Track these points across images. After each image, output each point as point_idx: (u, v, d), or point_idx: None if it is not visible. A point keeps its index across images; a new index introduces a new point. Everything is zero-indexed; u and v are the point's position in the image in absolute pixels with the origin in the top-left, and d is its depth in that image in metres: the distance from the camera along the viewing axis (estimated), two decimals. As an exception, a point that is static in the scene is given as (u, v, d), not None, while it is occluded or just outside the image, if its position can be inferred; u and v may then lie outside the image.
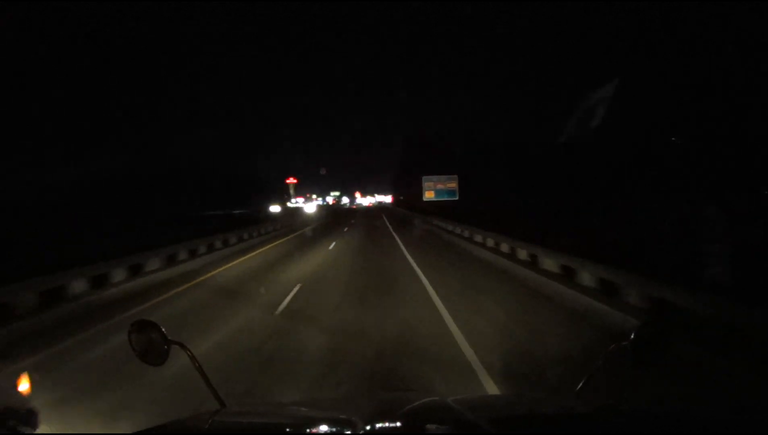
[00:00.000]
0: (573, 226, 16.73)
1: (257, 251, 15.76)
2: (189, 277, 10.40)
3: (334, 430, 1.20)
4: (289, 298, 7.75)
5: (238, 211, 52.60)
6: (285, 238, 20.83)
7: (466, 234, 17.52)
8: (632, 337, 1.37)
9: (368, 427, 1.05)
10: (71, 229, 23.50)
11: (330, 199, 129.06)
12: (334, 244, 17.30)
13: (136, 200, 49.61)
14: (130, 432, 1.18)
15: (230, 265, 12.54)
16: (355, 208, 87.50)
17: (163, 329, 1.48)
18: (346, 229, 25.56)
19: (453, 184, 32.92)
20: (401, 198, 78.74)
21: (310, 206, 76.80)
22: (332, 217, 43.91)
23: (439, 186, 32.93)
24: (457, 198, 32.43)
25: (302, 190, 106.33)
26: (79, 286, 8.06)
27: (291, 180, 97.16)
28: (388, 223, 30.93)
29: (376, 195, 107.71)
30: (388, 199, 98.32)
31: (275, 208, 60.94)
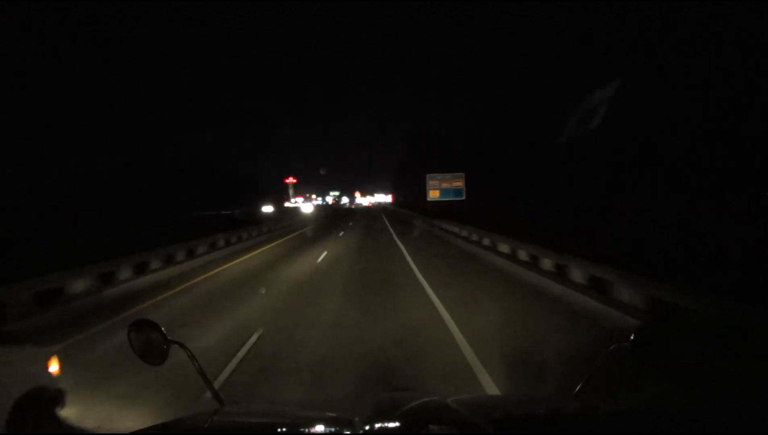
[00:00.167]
0: (592, 230, 15.28)
1: (217, 270, 11.58)
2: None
3: (333, 429, 1.20)
4: (229, 368, 4.49)
5: (226, 212, 51.96)
6: (264, 248, 16.88)
7: (486, 241, 14.67)
8: (632, 337, 1.37)
9: (367, 427, 1.04)
10: (58, 233, 23.65)
11: (330, 199, 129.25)
12: (324, 255, 13.83)
13: (133, 200, 49.65)
14: (145, 414, 1.17)
15: (167, 295, 8.48)
16: (354, 208, 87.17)
17: (163, 329, 1.48)
18: (341, 234, 22.79)
19: (459, 183, 30.15)
20: (402, 198, 78.60)
21: (307, 206, 76.67)
22: (329, 218, 42.36)
23: (445, 184, 30.21)
24: (464, 198, 29.85)
25: (302, 190, 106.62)
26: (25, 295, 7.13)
27: (290, 180, 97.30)
28: (389, 225, 28.70)
29: (375, 195, 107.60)
30: (388, 198, 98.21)
31: (268, 209, 59.81)
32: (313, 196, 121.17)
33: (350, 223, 31.99)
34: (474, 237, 16.27)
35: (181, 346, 1.47)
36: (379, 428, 1.07)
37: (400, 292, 8.27)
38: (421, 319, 6.31)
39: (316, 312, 6.81)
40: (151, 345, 1.48)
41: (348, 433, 1.10)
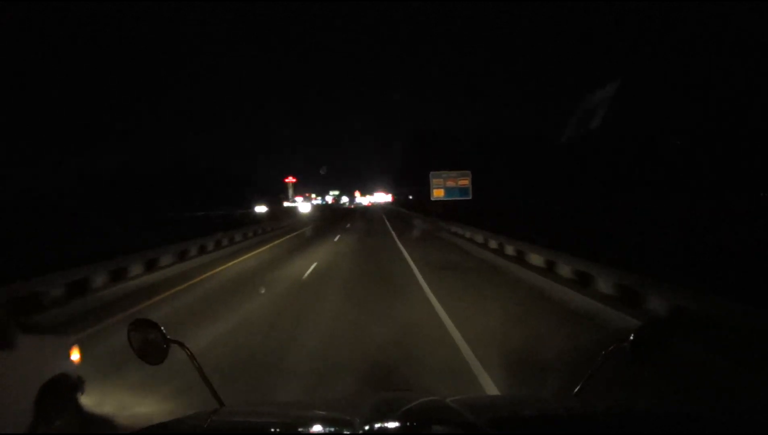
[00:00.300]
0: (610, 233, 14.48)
1: (168, 292, 8.63)
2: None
3: (332, 429, 1.19)
4: None
5: (220, 213, 51.33)
6: (242, 258, 13.79)
7: (510, 250, 11.87)
8: (632, 337, 1.37)
9: (367, 427, 1.04)
10: (52, 232, 23.66)
11: (329, 199, 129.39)
12: (312, 268, 11.05)
13: (132, 200, 49.72)
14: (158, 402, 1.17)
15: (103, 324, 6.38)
16: (353, 208, 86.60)
17: (163, 329, 1.48)
18: (336, 239, 19.53)
19: (465, 181, 28.15)
20: (409, 197, 78.50)
21: (304, 206, 76.50)
22: (327, 219, 39.72)
23: (450, 183, 28.20)
24: (470, 197, 28.03)
25: (302, 190, 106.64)
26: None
27: (290, 179, 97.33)
28: (390, 228, 25.70)
29: (375, 194, 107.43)
30: (387, 198, 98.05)
31: (261, 209, 58.38)
32: (313, 196, 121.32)
33: (348, 226, 29.32)
34: (509, 249, 12.11)
35: (181, 345, 1.47)
36: (379, 428, 1.07)
37: (414, 324, 5.89)
38: (446, 358, 4.56)
39: (295, 360, 4.60)
40: (151, 344, 1.48)
41: (347, 433, 1.10)
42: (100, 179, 48.34)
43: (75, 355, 3.34)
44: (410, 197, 67.75)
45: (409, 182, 66.30)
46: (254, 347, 5.08)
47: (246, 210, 56.42)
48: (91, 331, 6.06)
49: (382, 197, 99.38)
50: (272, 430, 1.25)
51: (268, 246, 17.41)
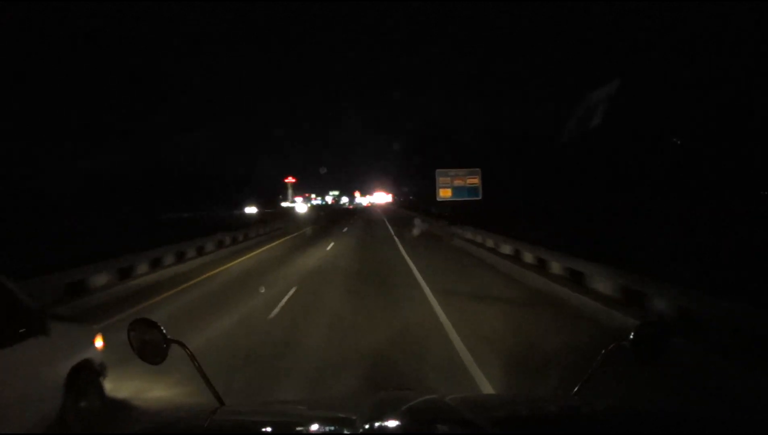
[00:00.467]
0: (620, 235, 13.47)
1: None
2: None
3: (332, 428, 1.19)
4: None
5: (207, 213, 49.85)
6: (205, 276, 10.76)
7: (556, 268, 8.95)
8: (631, 336, 1.37)
9: (367, 426, 1.04)
10: (51, 232, 23.50)
11: (329, 199, 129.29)
12: (292, 292, 8.20)
13: (131, 200, 49.61)
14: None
15: None
16: (352, 209, 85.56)
17: (163, 329, 1.48)
18: (330, 247, 16.24)
19: (475, 180, 25.82)
20: (403, 198, 78.21)
21: (301, 207, 76.22)
22: (324, 220, 36.92)
23: (458, 182, 25.71)
24: (479, 197, 25.71)
25: (302, 190, 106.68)
26: None
27: (289, 179, 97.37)
28: (393, 234, 22.80)
29: (374, 194, 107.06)
30: (388, 198, 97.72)
31: (251, 210, 55.58)
32: (313, 196, 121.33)
33: (345, 229, 26.62)
34: (528, 257, 10.33)
35: (181, 345, 1.47)
36: (379, 427, 1.06)
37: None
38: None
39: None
40: (151, 344, 1.48)
41: (347, 432, 1.10)
42: (100, 179, 48.29)
43: (99, 343, 3.58)
44: (411, 197, 67.42)
45: (409, 182, 66.05)
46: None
47: (241, 211, 55.63)
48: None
49: (382, 197, 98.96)
50: (273, 429, 1.25)
51: (234, 262, 13.15)
